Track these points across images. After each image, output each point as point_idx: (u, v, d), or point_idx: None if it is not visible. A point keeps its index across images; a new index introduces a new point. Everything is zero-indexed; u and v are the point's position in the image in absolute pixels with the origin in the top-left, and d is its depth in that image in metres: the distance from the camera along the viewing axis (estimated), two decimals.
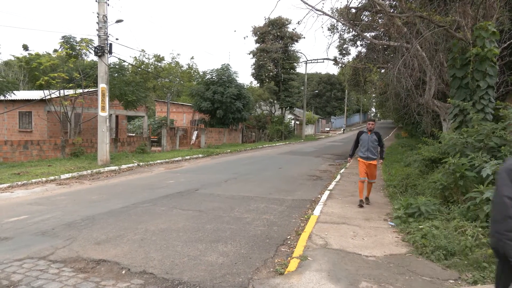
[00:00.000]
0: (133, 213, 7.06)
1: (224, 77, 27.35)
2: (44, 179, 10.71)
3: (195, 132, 24.80)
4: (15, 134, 19.67)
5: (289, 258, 4.78)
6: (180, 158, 17.66)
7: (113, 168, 13.45)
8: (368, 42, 18.23)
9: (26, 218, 6.56)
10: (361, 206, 7.80)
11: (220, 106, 26.36)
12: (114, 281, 4.01)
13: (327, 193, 9.35)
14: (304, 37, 48.52)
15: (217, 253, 4.92)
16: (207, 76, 28.28)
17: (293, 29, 37.18)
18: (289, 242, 5.55)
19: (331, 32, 20.73)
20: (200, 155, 19.44)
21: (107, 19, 13.78)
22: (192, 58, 68.99)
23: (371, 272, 4.35)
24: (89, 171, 12.36)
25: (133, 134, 27.80)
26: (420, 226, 5.53)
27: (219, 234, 5.80)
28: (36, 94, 19.12)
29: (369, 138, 7.89)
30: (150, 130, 25.77)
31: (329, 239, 5.59)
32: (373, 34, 17.94)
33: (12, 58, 36.36)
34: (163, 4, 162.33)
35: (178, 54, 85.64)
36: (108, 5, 13.80)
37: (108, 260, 4.60)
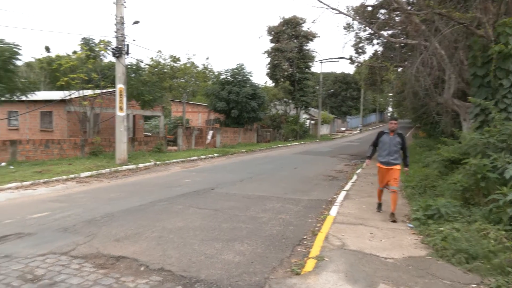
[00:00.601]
0: (150, 211, 7.16)
1: (239, 77, 27.43)
2: (64, 177, 10.98)
3: (211, 132, 24.97)
4: (36, 134, 20.21)
5: (305, 258, 4.77)
6: (195, 157, 17.82)
7: (130, 167, 13.68)
8: (385, 40, 17.98)
9: (49, 215, 6.74)
10: (379, 211, 7.27)
11: (235, 106, 26.45)
12: (133, 277, 4.08)
13: (343, 193, 9.27)
14: (319, 36, 48.25)
15: (234, 252, 4.94)
16: (222, 76, 28.42)
17: (308, 28, 36.97)
18: (305, 242, 5.53)
19: (347, 31, 20.54)
20: (216, 155, 19.56)
21: (124, 20, 14.02)
22: (207, 58, 69.24)
23: (390, 274, 4.29)
24: (107, 170, 12.61)
25: (150, 134, 28.20)
26: (440, 228, 5.42)
27: (235, 233, 5.83)
28: (57, 95, 19.59)
29: (390, 140, 6.89)
30: (166, 130, 26.08)
31: (346, 240, 5.54)
32: (390, 32, 17.67)
33: (33, 60, 37.50)
34: (178, 5, 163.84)
35: (193, 55, 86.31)
36: (125, 7, 14.04)
37: (127, 256, 4.69)
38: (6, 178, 10.16)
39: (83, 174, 11.59)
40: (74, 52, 18.16)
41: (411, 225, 6.25)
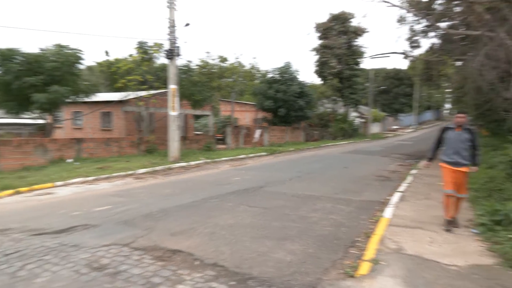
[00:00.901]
0: (202, 207, 7.38)
1: (286, 75, 27.32)
2: (123, 173, 11.68)
3: (258, 131, 25.16)
4: (97, 132, 21.72)
5: (359, 261, 4.62)
6: (244, 155, 18.05)
7: (182, 164, 14.21)
8: (443, 32, 16.86)
9: (110, 208, 7.20)
10: (448, 230, 5.88)
11: (282, 105, 26.40)
12: (189, 271, 4.23)
13: (397, 195, 8.86)
14: (369, 31, 46.30)
15: (285, 251, 4.93)
16: (269, 75, 28.49)
17: (357, 23, 35.81)
18: (358, 244, 5.36)
19: (400, 24, 19.58)
20: (263, 153, 19.67)
21: (175, 23, 14.58)
22: (254, 58, 69.87)
23: (453, 282, 4.02)
24: (161, 167, 13.20)
25: (200, 132, 29.07)
26: (510, 236, 4.98)
27: (286, 232, 5.81)
28: (115, 96, 20.90)
29: (457, 137, 5.99)
30: (215, 129, 26.75)
31: (403, 243, 5.29)
32: (448, 23, 16.56)
33: (94, 64, 40.34)
34: (226, 5, 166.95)
35: (241, 54, 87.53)
36: (176, 10, 14.57)
37: (183, 250, 4.87)
38: (72, 174, 11.03)
39: (139, 171, 12.24)
40: (130, 55, 19.21)
41: (475, 231, 5.80)
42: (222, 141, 23.46)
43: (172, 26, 14.31)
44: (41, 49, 15.34)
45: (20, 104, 15.01)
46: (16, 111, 15.79)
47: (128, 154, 15.98)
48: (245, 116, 34.50)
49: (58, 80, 14.70)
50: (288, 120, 27.66)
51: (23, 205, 7.70)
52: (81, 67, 17.55)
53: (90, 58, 47.77)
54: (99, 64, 36.75)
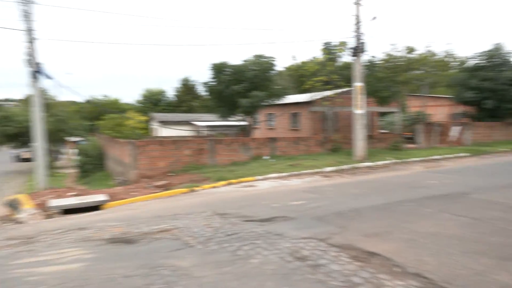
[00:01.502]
0: (396, 211, 6.92)
1: (496, 59, 22.57)
2: (311, 171, 12.32)
3: (456, 128, 21.80)
4: (287, 132, 23.74)
5: None
6: (439, 156, 16.01)
7: (368, 164, 13.81)
8: None
9: (304, 204, 7.70)
10: None
11: (489, 96, 22.00)
12: (389, 277, 4.01)
13: None
14: None
15: (510, 274, 4.03)
16: (471, 62, 24.21)
17: None
18: None
19: None
20: (464, 154, 16.90)
21: (360, 19, 14.27)
22: (449, 44, 60.99)
23: None
24: (347, 166, 13.22)
25: (385, 131, 27.61)
26: None
27: (508, 250, 4.76)
28: (302, 97, 22.32)
29: None
30: (402, 126, 24.81)
31: None
32: None
33: (282, 69, 44.33)
34: None
35: (432, 42, 78.09)
36: (361, 5, 14.23)
37: (379, 254, 4.68)
38: (269, 169, 12.42)
39: (326, 169, 12.63)
40: (314, 58, 20.11)
41: None
42: (410, 140, 21.53)
43: (357, 22, 14.11)
44: (244, 60, 17.95)
45: (229, 109, 18.04)
46: (225, 115, 19.07)
47: (314, 152, 16.74)
48: (439, 111, 30.52)
49: (256, 86, 16.88)
50: (497, 114, 22.83)
51: (235, 194, 9.18)
52: (273, 72, 19.59)
53: (279, 64, 52.89)
54: (287, 68, 40.21)
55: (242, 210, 7.21)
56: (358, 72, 14.65)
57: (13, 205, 9.13)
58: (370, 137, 18.42)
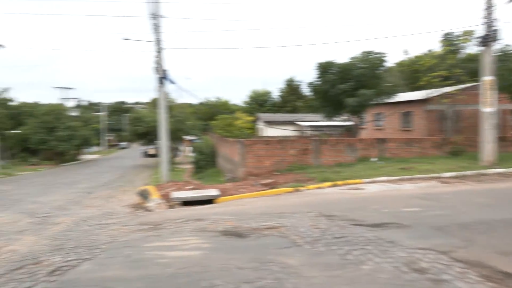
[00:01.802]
0: None
1: None
2: (426, 175, 11.20)
3: None
4: (396, 133, 22.08)
5: None
6: None
7: (499, 170, 11.90)
8: None
9: (419, 211, 7.05)
10: None
11: None
12: None
13: None
14: None
15: None
16: None
17: None
18: None
19: None
20: None
21: (493, 3, 12.35)
22: None
23: None
24: (471, 172, 11.62)
25: None
26: None
27: None
28: (416, 95, 20.47)
29: None
30: None
31: None
32: None
33: (392, 64, 41.34)
34: None
35: None
36: None
37: None
38: (377, 172, 11.73)
39: (445, 174, 11.33)
40: (429, 51, 18.22)
41: None
42: None
43: (489, 7, 12.26)
44: (351, 58, 17.33)
45: (335, 109, 17.65)
46: (330, 115, 18.71)
47: (430, 155, 15.18)
48: None
49: (364, 84, 16.12)
50: None
51: (340, 196, 8.94)
52: (382, 69, 18.43)
53: (389, 59, 49.26)
54: (398, 64, 37.36)
55: (349, 213, 6.97)
56: (487, 64, 12.75)
57: (144, 195, 10.59)
58: (502, 139, 15.85)
